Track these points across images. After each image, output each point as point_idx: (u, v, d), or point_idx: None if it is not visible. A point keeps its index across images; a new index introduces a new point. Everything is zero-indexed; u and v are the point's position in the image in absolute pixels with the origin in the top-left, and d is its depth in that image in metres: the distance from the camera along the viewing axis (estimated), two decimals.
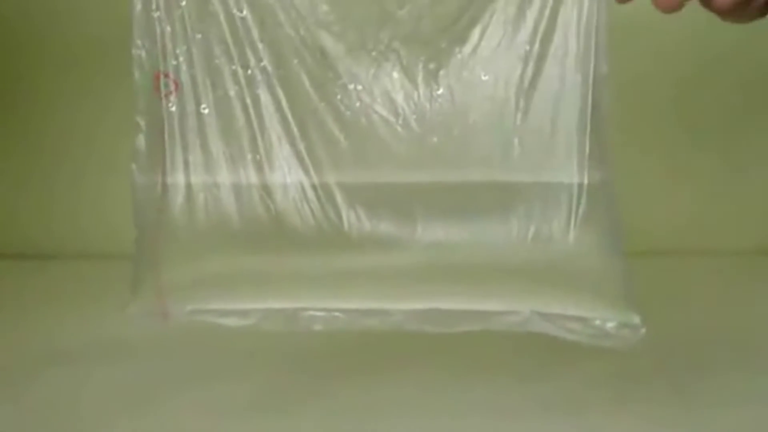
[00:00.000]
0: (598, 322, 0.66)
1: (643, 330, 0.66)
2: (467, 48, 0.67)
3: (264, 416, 0.80)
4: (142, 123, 0.68)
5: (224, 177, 0.68)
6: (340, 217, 0.67)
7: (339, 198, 0.68)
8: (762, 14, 0.64)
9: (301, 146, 0.68)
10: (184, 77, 0.68)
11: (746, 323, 1.05)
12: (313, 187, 0.68)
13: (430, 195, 0.68)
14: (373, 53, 0.67)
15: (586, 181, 0.67)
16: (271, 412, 0.81)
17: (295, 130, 0.68)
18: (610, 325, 0.66)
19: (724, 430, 0.77)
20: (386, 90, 0.67)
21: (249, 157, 0.68)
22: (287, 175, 0.68)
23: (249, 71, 0.68)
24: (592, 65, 0.65)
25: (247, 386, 0.87)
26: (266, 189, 0.68)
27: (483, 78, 0.66)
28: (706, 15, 0.65)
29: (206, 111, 0.68)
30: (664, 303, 1.04)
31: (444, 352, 0.93)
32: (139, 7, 0.67)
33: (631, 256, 0.68)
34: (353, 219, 0.67)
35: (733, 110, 1.33)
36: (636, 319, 0.66)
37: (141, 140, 0.69)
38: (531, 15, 0.66)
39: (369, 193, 0.68)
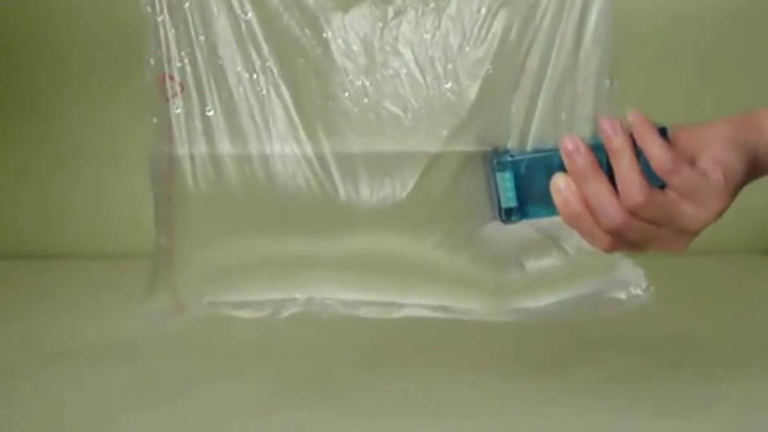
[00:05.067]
0: (608, 295, 0.67)
1: (652, 288, 0.67)
2: (475, 43, 0.66)
3: (275, 412, 0.80)
4: (154, 122, 0.68)
5: (231, 173, 0.68)
6: (348, 202, 0.67)
7: (346, 188, 0.67)
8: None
9: (308, 145, 0.68)
10: (189, 79, 0.68)
11: (746, 323, 1.06)
12: (318, 180, 0.68)
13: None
14: (381, 49, 0.67)
15: None
16: (281, 408, 0.81)
17: (301, 129, 0.68)
18: (620, 293, 0.67)
19: (724, 428, 0.77)
20: (394, 85, 0.67)
21: (256, 156, 0.68)
22: (296, 172, 0.68)
23: (254, 72, 0.68)
24: (599, 58, 0.65)
25: (256, 383, 0.87)
26: (273, 180, 0.68)
27: (489, 71, 0.66)
28: None
29: (211, 113, 0.68)
30: (665, 302, 1.04)
31: (453, 347, 0.94)
32: (146, 10, 0.67)
33: (632, 255, 0.69)
34: (362, 200, 0.67)
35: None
36: (643, 282, 0.67)
37: (154, 138, 0.69)
38: (538, 13, 0.65)
39: (378, 182, 0.67)
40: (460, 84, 0.66)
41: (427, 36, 0.67)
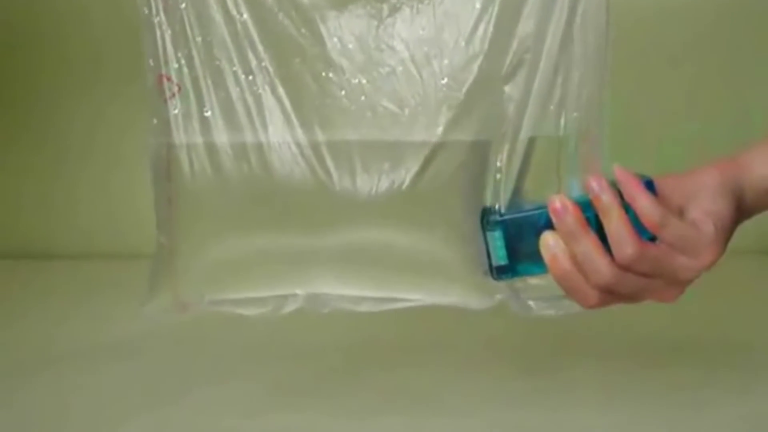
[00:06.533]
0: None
1: None
2: (469, 38, 0.67)
3: (275, 413, 0.81)
4: (154, 123, 0.69)
5: (230, 172, 0.68)
6: (347, 197, 0.67)
7: (344, 183, 0.67)
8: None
9: (306, 143, 0.68)
10: (186, 80, 0.68)
11: (746, 322, 1.06)
12: (316, 175, 0.68)
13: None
14: (377, 47, 0.68)
15: None
16: (281, 407, 0.82)
17: (299, 128, 0.68)
18: None
19: (723, 428, 0.77)
20: (391, 83, 0.67)
21: (254, 155, 0.68)
22: (294, 168, 0.68)
23: (251, 72, 0.68)
24: (589, 50, 0.65)
25: (257, 383, 0.87)
26: (272, 177, 0.68)
27: (484, 65, 0.66)
28: None
29: (209, 113, 0.69)
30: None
31: (449, 345, 0.94)
32: (143, 11, 0.67)
33: None
34: (360, 194, 0.67)
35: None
36: None
37: (154, 139, 0.69)
38: (526, 13, 0.66)
39: (376, 177, 0.67)
40: (456, 79, 0.66)
41: (423, 32, 0.67)
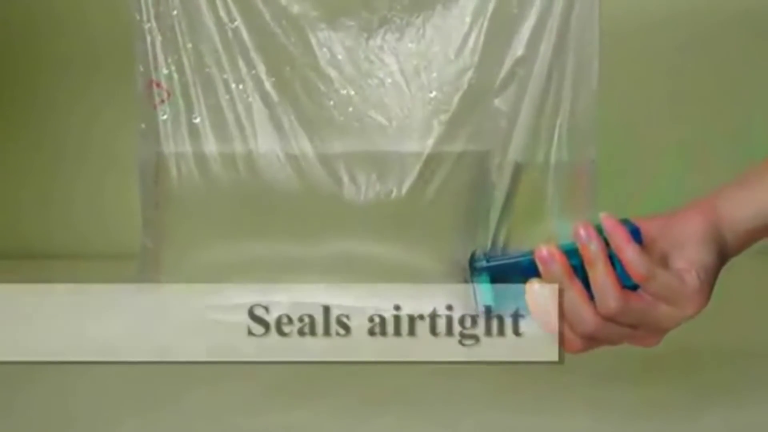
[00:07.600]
0: None
1: None
2: (459, 51, 0.67)
3: (273, 413, 0.81)
4: (143, 128, 0.69)
5: (218, 179, 0.68)
6: (335, 207, 0.67)
7: (332, 193, 0.68)
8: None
9: (294, 152, 0.68)
10: (176, 86, 0.69)
11: (742, 327, 1.05)
12: (304, 184, 0.68)
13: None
14: (366, 59, 0.68)
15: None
16: (279, 408, 0.82)
17: (287, 136, 0.69)
18: None
19: (724, 429, 0.77)
20: (379, 94, 0.68)
21: (242, 162, 0.69)
22: (281, 177, 0.68)
23: (241, 80, 0.69)
24: (580, 65, 0.65)
25: (246, 385, 0.87)
26: (259, 185, 0.69)
27: (473, 80, 0.66)
28: None
29: (198, 120, 0.69)
30: None
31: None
32: (134, 17, 0.68)
33: None
34: (348, 204, 0.67)
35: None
36: None
37: (143, 144, 0.70)
38: (519, 27, 0.66)
39: (364, 188, 0.68)
40: (445, 93, 0.67)
41: (412, 45, 0.68)
